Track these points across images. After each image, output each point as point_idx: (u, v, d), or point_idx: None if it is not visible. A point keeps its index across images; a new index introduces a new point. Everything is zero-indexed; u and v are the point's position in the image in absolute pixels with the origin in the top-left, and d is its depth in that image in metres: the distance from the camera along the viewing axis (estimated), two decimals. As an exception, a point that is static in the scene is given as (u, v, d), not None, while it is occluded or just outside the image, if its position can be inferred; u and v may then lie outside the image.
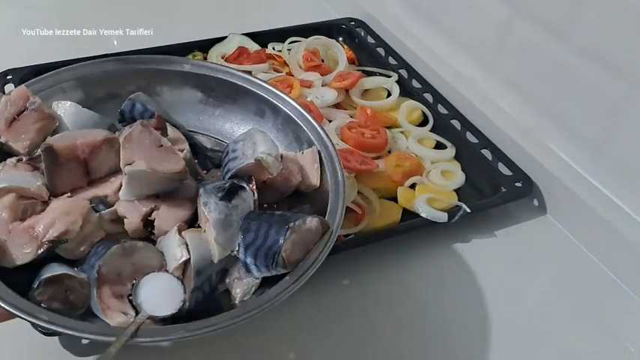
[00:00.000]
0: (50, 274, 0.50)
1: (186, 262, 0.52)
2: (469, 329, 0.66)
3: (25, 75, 0.90)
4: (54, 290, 0.50)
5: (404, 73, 1.00)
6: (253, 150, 0.59)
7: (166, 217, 0.55)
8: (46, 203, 0.54)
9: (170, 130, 0.62)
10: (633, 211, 0.73)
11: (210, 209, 0.53)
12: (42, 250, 0.51)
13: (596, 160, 0.77)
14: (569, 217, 0.79)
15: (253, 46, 1.02)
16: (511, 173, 0.82)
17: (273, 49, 1.03)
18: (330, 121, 0.87)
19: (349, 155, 0.80)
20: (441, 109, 0.93)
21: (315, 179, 0.63)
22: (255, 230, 0.53)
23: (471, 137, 0.88)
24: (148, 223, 0.56)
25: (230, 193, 0.55)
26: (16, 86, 0.88)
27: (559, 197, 0.80)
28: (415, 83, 0.98)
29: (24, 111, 0.59)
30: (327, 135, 0.66)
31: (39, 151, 0.56)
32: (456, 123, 0.90)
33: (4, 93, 0.64)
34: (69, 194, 0.56)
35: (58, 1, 1.20)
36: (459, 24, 0.97)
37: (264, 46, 1.03)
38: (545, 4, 0.80)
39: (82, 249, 0.53)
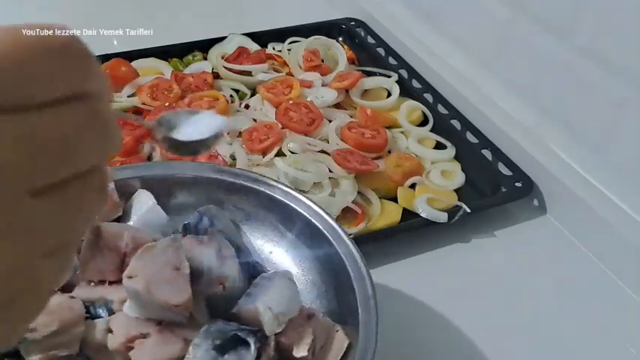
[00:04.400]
0: None
1: None
2: (469, 329, 0.66)
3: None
4: None
5: (404, 73, 1.00)
6: (261, 296, 0.50)
7: (145, 350, 0.48)
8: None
9: (227, 254, 0.53)
10: (634, 211, 0.73)
11: (194, 354, 0.46)
12: None
13: (596, 160, 0.77)
14: (570, 217, 0.78)
15: (253, 46, 1.02)
16: (511, 173, 0.82)
17: (273, 49, 1.03)
18: (330, 121, 0.87)
19: (349, 155, 0.80)
20: (441, 109, 0.93)
21: None
22: None
23: (471, 137, 0.88)
24: (131, 350, 0.49)
25: (227, 346, 0.46)
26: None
27: (559, 197, 0.80)
28: (415, 83, 0.98)
29: None
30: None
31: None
32: (456, 123, 0.90)
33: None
34: (71, 295, 0.50)
35: (58, 1, 1.20)
36: (459, 24, 0.97)
37: (264, 46, 1.03)
38: (546, 4, 0.80)
39: (40, 357, 0.46)
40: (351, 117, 0.89)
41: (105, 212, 0.56)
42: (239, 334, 0.47)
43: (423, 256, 0.73)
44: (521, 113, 0.86)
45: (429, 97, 0.95)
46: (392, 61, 1.03)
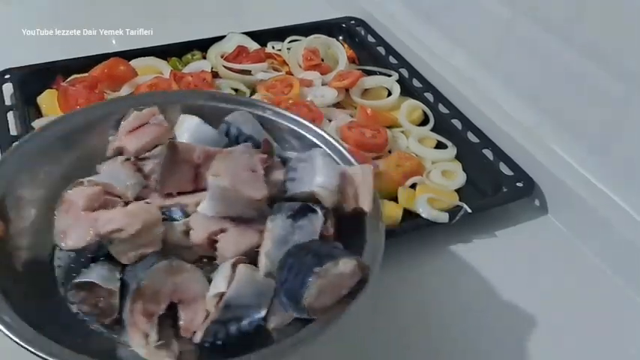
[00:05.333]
0: (78, 280, 0.51)
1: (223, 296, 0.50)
2: (470, 329, 0.66)
3: (24, 75, 0.90)
4: (85, 294, 0.51)
5: (404, 72, 0.99)
6: (311, 178, 0.56)
7: (231, 242, 0.54)
8: (127, 204, 0.55)
9: (276, 162, 0.60)
10: (635, 211, 0.73)
11: (274, 224, 0.53)
12: (92, 241, 0.51)
13: (597, 160, 0.77)
14: (571, 218, 0.78)
15: (253, 45, 1.02)
16: (512, 173, 0.82)
17: (273, 48, 1.02)
18: (330, 121, 0.87)
19: (349, 155, 0.79)
20: (442, 109, 0.93)
21: (368, 204, 0.56)
22: (288, 269, 0.50)
23: (471, 137, 0.88)
24: (213, 243, 0.54)
25: (298, 214, 0.54)
26: (14, 86, 0.88)
27: (560, 197, 0.79)
28: (416, 82, 0.98)
29: (146, 124, 0.63)
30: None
31: (147, 154, 0.60)
32: (456, 122, 0.90)
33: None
34: (148, 200, 0.56)
35: (58, 1, 1.19)
36: (459, 23, 0.97)
37: (263, 45, 1.03)
38: (546, 4, 0.80)
39: (131, 254, 0.52)
40: (352, 116, 0.89)
41: (161, 138, 0.62)
42: (309, 204, 0.55)
43: (423, 256, 0.73)
44: (521, 113, 0.86)
45: (429, 96, 0.95)
46: (392, 60, 1.03)
